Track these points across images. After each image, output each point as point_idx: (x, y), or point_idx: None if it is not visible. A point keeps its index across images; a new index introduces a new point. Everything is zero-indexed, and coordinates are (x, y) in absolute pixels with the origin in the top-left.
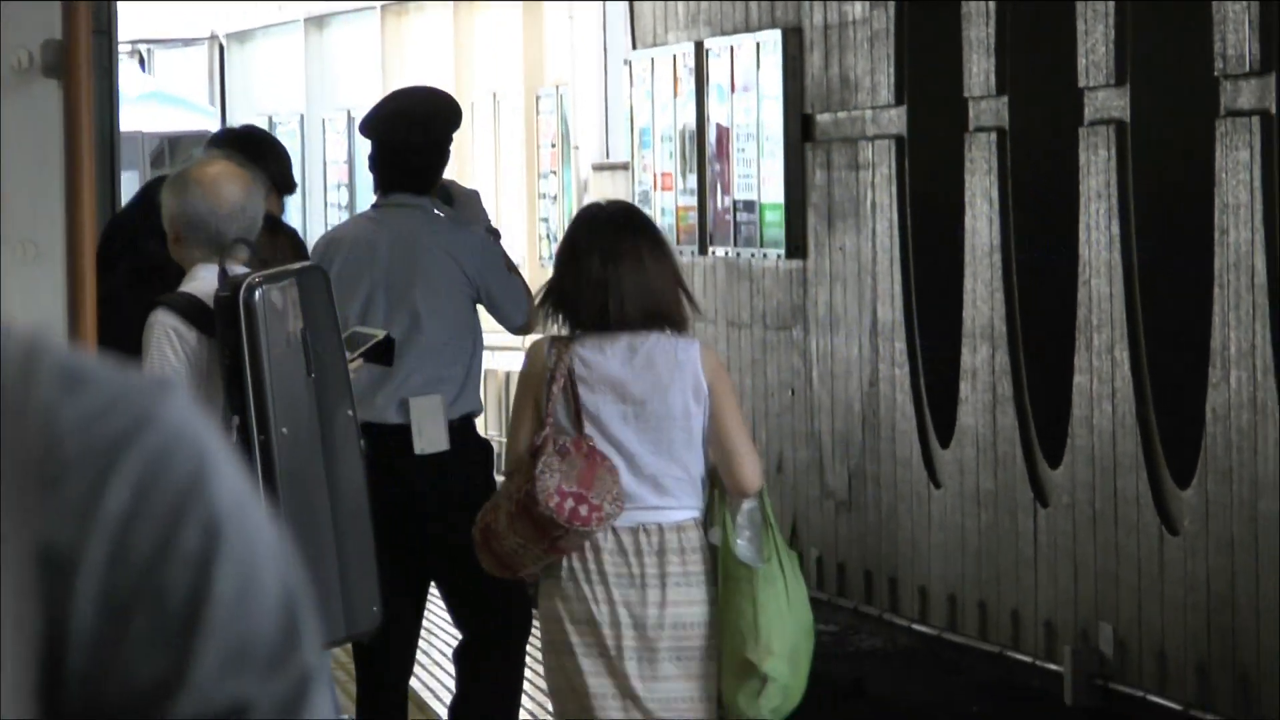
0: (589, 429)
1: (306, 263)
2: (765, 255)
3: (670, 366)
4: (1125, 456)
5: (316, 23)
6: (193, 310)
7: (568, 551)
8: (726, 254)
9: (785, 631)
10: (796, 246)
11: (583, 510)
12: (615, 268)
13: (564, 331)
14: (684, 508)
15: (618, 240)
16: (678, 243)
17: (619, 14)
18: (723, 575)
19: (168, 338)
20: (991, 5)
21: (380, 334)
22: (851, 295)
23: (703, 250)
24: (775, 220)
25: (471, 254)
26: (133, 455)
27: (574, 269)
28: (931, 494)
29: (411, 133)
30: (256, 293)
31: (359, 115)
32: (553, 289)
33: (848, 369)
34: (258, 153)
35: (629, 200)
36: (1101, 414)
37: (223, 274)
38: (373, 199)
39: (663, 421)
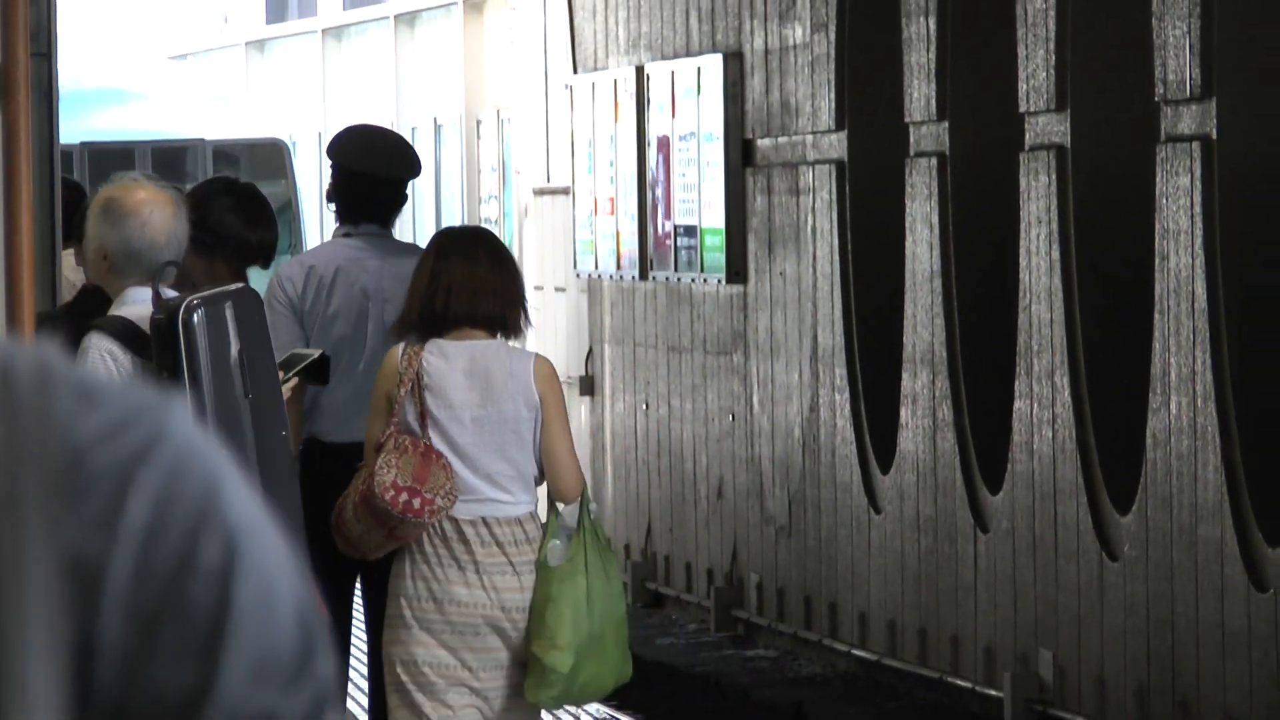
0: (431, 429)
1: (239, 285)
2: (706, 280)
3: (505, 375)
4: (1065, 482)
5: (258, 47)
6: (127, 334)
7: (406, 540)
8: (667, 279)
9: (578, 627)
10: (737, 271)
11: (415, 503)
12: (446, 265)
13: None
14: (519, 503)
15: (455, 247)
16: (618, 267)
17: (560, 38)
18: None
19: (102, 361)
20: (932, 30)
21: (316, 353)
22: (792, 320)
23: (643, 275)
24: (716, 245)
25: None
26: (151, 469)
27: (421, 281)
28: (871, 519)
29: (393, 167)
30: (195, 315)
31: (298, 140)
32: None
33: (788, 394)
34: (256, 217)
35: (570, 223)
36: (1042, 439)
37: (156, 296)
38: (337, 227)
39: (497, 425)
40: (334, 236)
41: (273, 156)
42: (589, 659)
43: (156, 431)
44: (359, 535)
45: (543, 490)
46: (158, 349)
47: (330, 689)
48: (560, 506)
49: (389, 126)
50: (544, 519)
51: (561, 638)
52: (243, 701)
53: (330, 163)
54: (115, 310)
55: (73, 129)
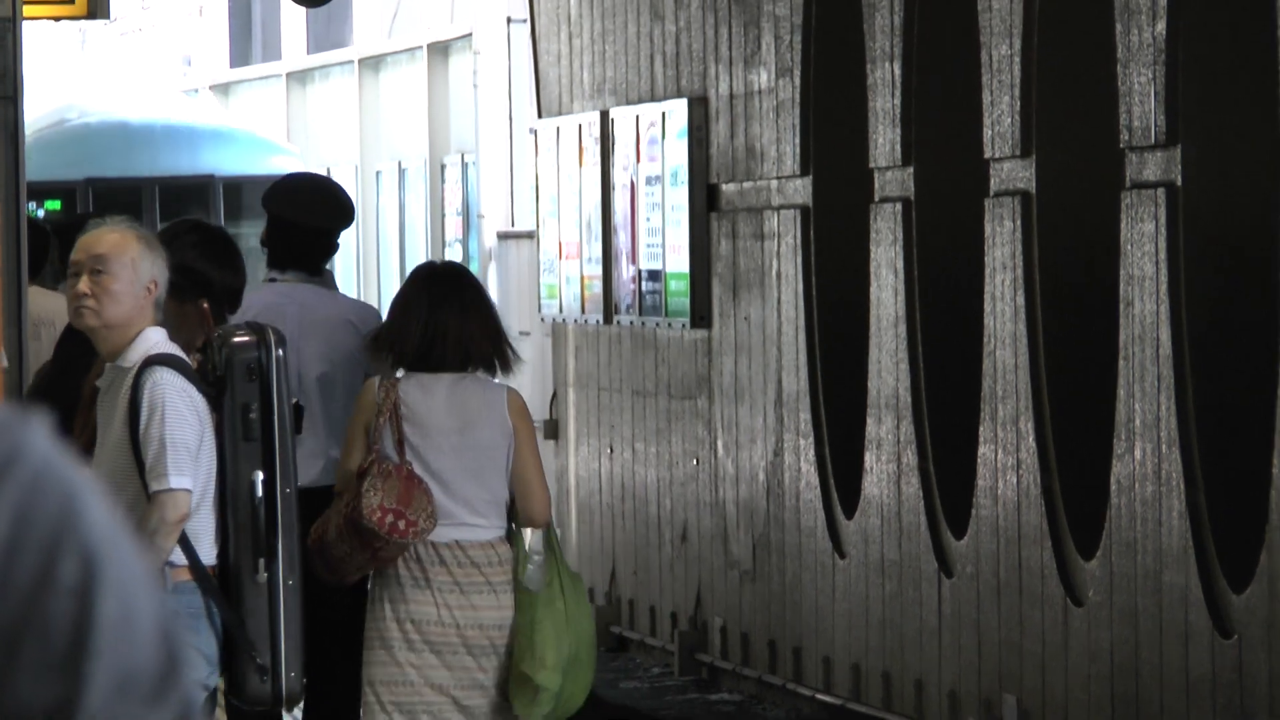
0: (410, 456)
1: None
2: (670, 324)
3: (481, 406)
4: (1030, 527)
5: (222, 90)
6: (188, 370)
7: (388, 561)
8: (632, 323)
9: (561, 646)
10: (701, 316)
11: (400, 524)
12: (440, 316)
13: (388, 369)
14: (492, 527)
15: (445, 293)
16: (582, 311)
17: (525, 82)
18: (515, 597)
19: (182, 398)
20: (898, 75)
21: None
22: (756, 365)
23: (607, 319)
24: (680, 289)
25: (370, 319)
26: (9, 486)
27: (403, 315)
28: (836, 564)
29: (318, 216)
30: (279, 350)
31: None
32: (384, 333)
33: (752, 438)
34: (224, 259)
35: (535, 267)
36: (1006, 484)
37: (210, 331)
38: (268, 274)
39: (473, 452)
40: (262, 281)
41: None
42: (568, 678)
43: (13, 449)
44: (341, 557)
45: None
46: (241, 384)
47: (194, 705)
48: (526, 532)
49: (349, 169)
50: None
51: (550, 658)
52: (108, 716)
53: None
54: (138, 349)
55: (79, 165)
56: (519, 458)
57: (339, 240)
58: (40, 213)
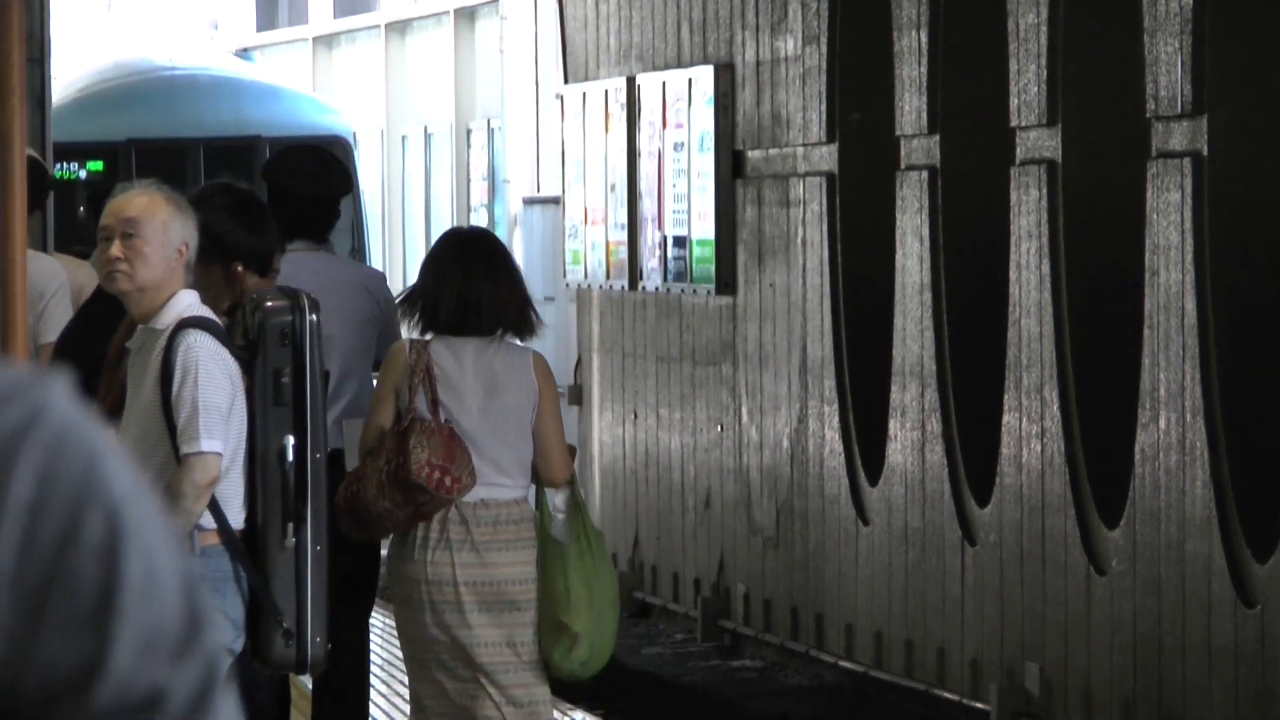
0: (443, 417)
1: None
2: (695, 291)
3: (508, 369)
4: (1053, 496)
5: (247, 54)
6: (221, 333)
7: (428, 516)
8: (656, 289)
9: (593, 598)
10: (726, 282)
11: (446, 480)
12: (474, 283)
13: (416, 332)
14: (517, 486)
15: (476, 260)
16: (607, 277)
17: (551, 48)
18: (540, 550)
19: (215, 361)
20: (924, 43)
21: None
22: (781, 332)
23: (632, 285)
24: (705, 256)
25: (380, 285)
26: (32, 446)
27: (436, 281)
28: (859, 531)
29: (319, 185)
30: (313, 315)
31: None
32: (414, 295)
33: (777, 405)
34: (254, 222)
35: (559, 233)
36: (1030, 453)
37: (242, 294)
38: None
39: (500, 414)
40: None
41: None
42: (597, 630)
43: (36, 409)
44: (380, 514)
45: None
46: (273, 348)
47: (218, 663)
48: (549, 491)
49: (374, 134)
50: (535, 502)
51: (585, 607)
52: (133, 675)
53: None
54: (174, 311)
55: (121, 126)
56: (540, 419)
57: (340, 209)
58: (82, 173)
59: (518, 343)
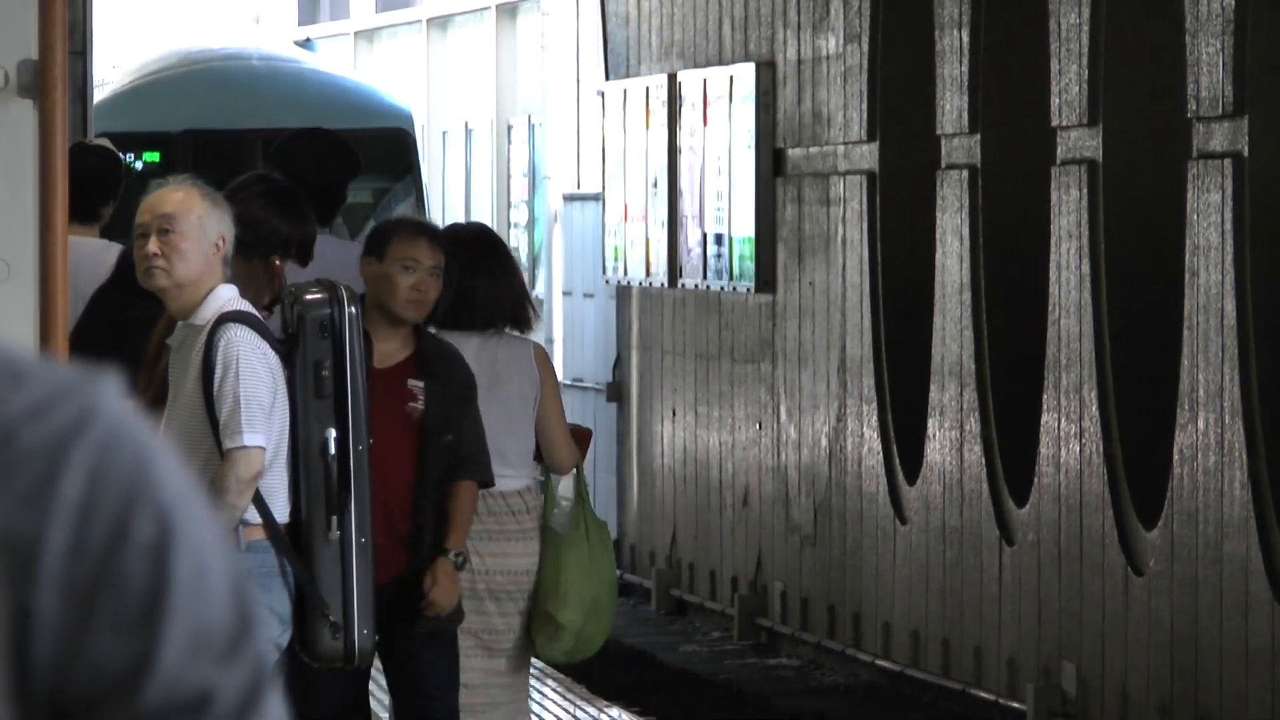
0: None
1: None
2: (735, 289)
3: (509, 361)
4: (1091, 496)
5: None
6: (262, 326)
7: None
8: (696, 286)
9: (585, 588)
10: (766, 280)
11: None
12: (472, 279)
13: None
14: (522, 476)
15: (475, 256)
16: (647, 274)
17: (593, 44)
18: (542, 539)
19: (256, 355)
20: (965, 42)
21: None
22: (820, 330)
23: (672, 283)
24: (745, 254)
25: None
26: (83, 445)
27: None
28: (897, 530)
29: (324, 171)
30: (352, 307)
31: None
32: None
33: (815, 404)
34: (291, 209)
35: (600, 229)
36: (1069, 453)
37: (280, 287)
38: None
39: (504, 405)
40: None
41: (396, 146)
42: (589, 620)
43: (87, 408)
44: None
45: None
46: (314, 341)
47: (267, 666)
48: (555, 479)
49: (420, 128)
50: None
51: (573, 598)
52: (181, 675)
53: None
54: (213, 306)
55: (178, 116)
56: (542, 408)
57: (347, 193)
58: (139, 165)
59: (518, 335)
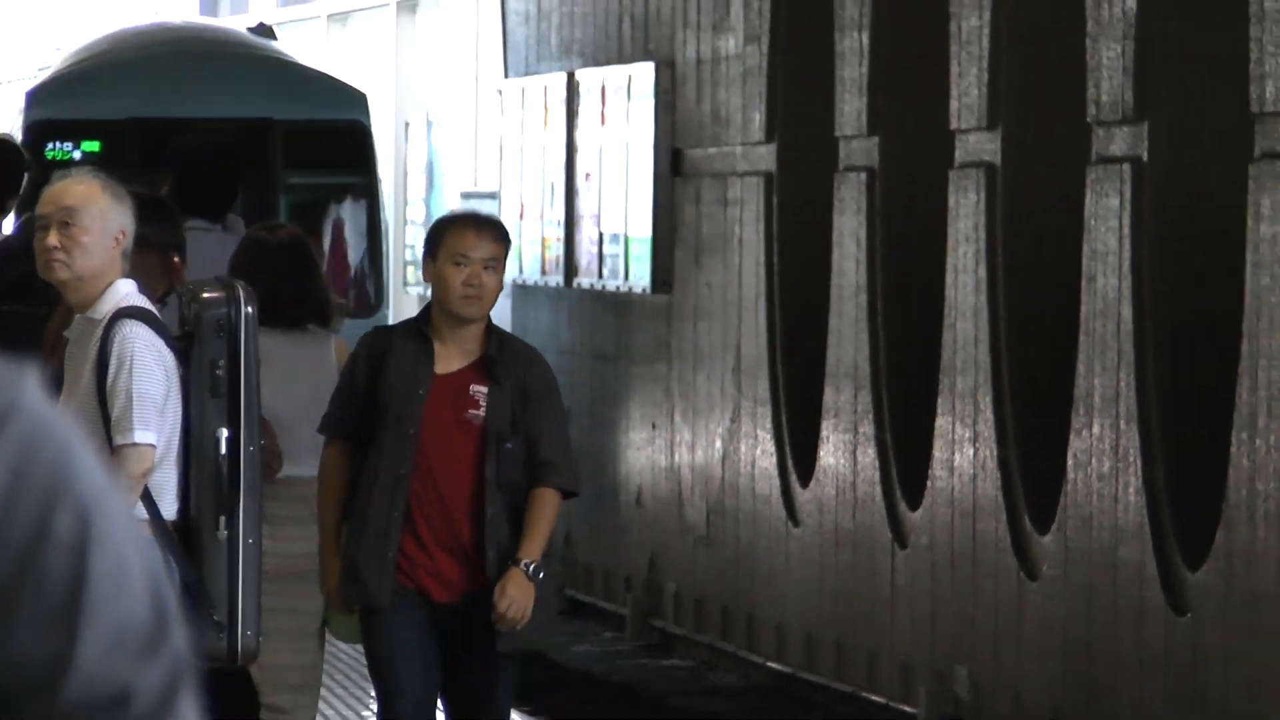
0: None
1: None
2: (631, 289)
3: (311, 356)
4: (986, 500)
5: None
6: (158, 323)
7: None
8: (592, 286)
9: None
10: (663, 281)
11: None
12: (280, 282)
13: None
14: (312, 465)
15: (283, 261)
16: (543, 273)
17: (492, 42)
18: None
19: (150, 352)
20: (865, 44)
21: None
22: (716, 331)
23: (568, 282)
24: (642, 254)
25: None
26: (6, 442)
27: (247, 280)
28: (790, 532)
29: (231, 162)
30: (249, 307)
31: None
32: None
33: (710, 405)
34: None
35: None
36: (963, 457)
37: (178, 283)
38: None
39: (301, 397)
40: None
41: (350, 140)
42: None
43: (8, 404)
44: None
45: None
46: (211, 339)
47: (185, 662)
48: None
49: None
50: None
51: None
52: (101, 672)
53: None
54: (109, 301)
55: (122, 104)
56: None
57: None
58: (77, 154)
59: (321, 331)
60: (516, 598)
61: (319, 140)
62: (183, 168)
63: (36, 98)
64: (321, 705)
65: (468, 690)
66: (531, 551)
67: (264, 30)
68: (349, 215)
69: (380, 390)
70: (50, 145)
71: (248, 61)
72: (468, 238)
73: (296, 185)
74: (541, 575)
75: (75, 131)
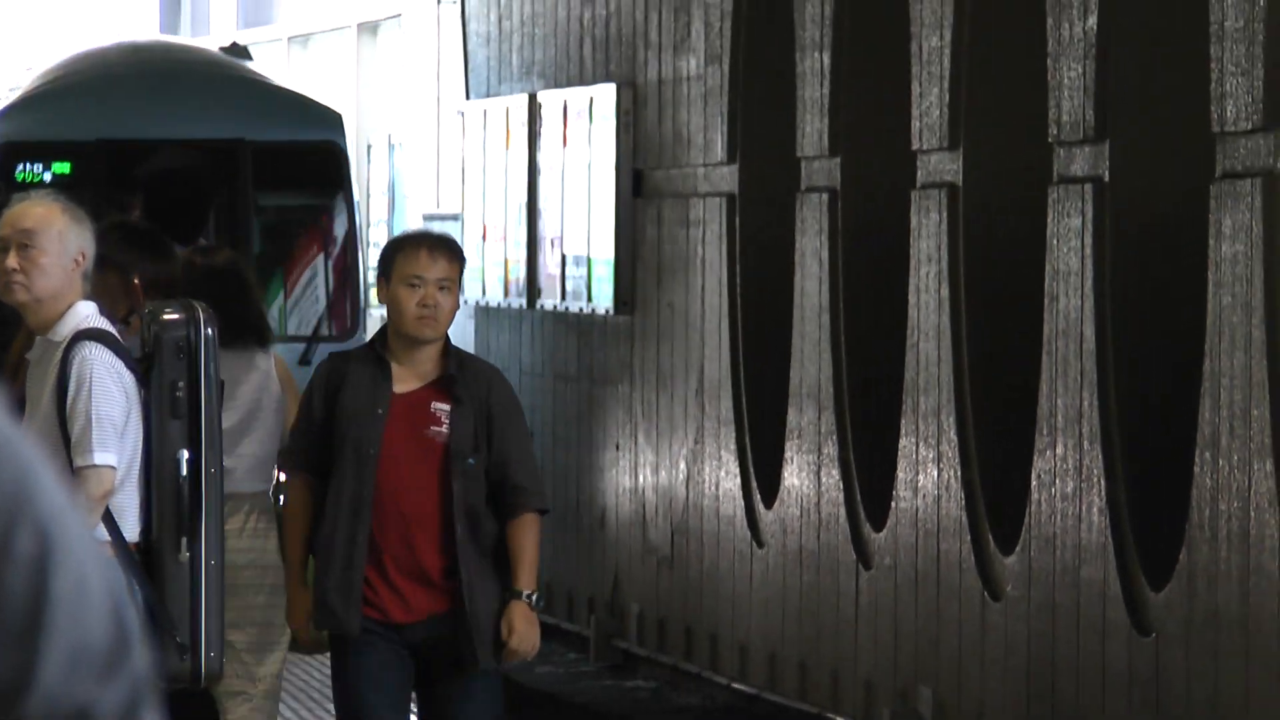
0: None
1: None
2: (594, 310)
3: (253, 374)
4: (949, 520)
5: None
6: (118, 345)
7: None
8: (555, 307)
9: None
10: (625, 302)
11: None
12: (222, 304)
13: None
14: (261, 480)
15: (224, 283)
16: (506, 295)
17: (453, 63)
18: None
19: (110, 374)
20: (826, 65)
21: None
22: (679, 352)
23: (531, 304)
24: (605, 275)
25: None
26: None
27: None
28: (754, 553)
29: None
30: (209, 329)
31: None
32: None
33: (673, 425)
34: (159, 251)
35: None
36: (926, 477)
37: (140, 306)
38: None
39: (248, 414)
40: None
41: (325, 161)
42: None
43: None
44: None
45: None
46: (170, 360)
47: (147, 682)
48: None
49: None
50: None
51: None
52: (61, 690)
53: None
54: (70, 323)
55: (91, 124)
56: (287, 413)
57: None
58: (47, 175)
59: (262, 350)
60: (525, 632)
61: (294, 161)
62: (154, 189)
63: (6, 118)
64: None
65: (448, 707)
66: (528, 582)
67: (239, 51)
68: (324, 237)
69: (338, 416)
70: (20, 167)
71: (221, 82)
72: (420, 259)
73: (271, 207)
74: (541, 604)
75: (46, 153)
